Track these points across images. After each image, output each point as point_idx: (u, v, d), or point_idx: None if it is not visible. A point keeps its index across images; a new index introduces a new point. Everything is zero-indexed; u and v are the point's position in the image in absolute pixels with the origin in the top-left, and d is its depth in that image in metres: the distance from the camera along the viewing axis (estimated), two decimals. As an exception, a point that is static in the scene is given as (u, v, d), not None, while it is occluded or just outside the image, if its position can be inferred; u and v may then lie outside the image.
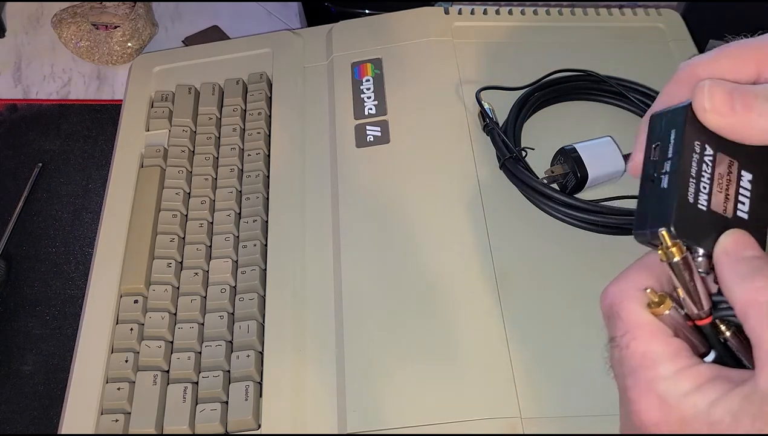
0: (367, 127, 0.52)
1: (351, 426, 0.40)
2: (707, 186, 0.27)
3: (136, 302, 0.46)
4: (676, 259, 0.26)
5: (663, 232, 0.26)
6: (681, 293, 0.26)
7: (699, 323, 0.26)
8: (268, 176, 0.52)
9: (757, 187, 0.28)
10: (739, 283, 0.25)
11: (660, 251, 0.26)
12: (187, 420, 0.41)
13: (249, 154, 0.53)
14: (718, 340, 0.26)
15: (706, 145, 0.27)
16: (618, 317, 0.27)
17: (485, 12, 0.59)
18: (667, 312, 0.26)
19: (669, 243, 0.26)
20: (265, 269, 0.48)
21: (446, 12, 0.59)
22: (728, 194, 0.27)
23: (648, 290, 0.26)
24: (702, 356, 0.27)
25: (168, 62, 0.61)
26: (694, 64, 0.29)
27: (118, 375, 0.44)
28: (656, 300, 0.26)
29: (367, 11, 0.65)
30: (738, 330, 0.26)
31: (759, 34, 0.29)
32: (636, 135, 0.30)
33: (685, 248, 0.26)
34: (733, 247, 0.27)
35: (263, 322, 0.45)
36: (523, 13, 0.59)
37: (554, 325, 0.42)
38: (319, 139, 0.53)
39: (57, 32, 0.68)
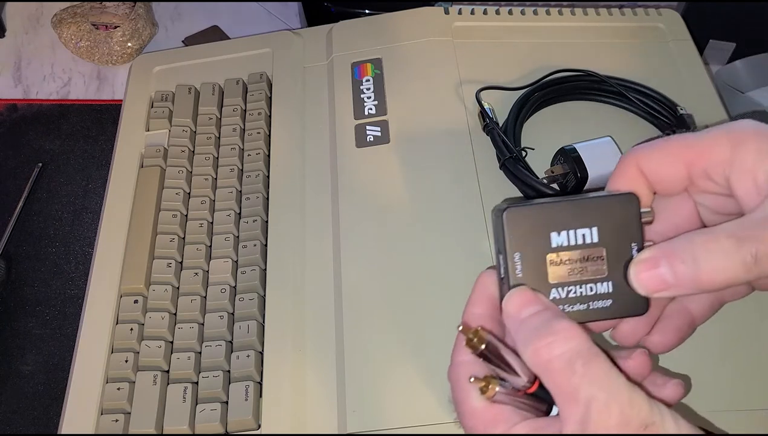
0: (367, 127, 0.52)
1: (351, 426, 0.40)
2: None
3: (136, 302, 0.46)
4: (482, 347, 0.27)
5: (459, 328, 0.28)
6: (500, 373, 0.28)
7: (528, 391, 0.28)
8: (268, 176, 0.52)
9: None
10: (522, 349, 0.27)
11: (465, 345, 0.28)
12: (187, 420, 0.41)
13: (249, 154, 0.53)
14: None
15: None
16: (458, 403, 0.30)
17: (485, 12, 0.59)
18: (496, 390, 0.27)
19: (470, 335, 0.28)
20: (265, 269, 0.48)
21: (446, 12, 0.59)
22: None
23: (472, 380, 0.28)
24: (548, 411, 0.28)
25: (168, 62, 0.61)
26: (637, 157, 0.30)
27: (118, 375, 0.44)
28: (482, 386, 0.28)
29: (367, 11, 0.65)
30: None
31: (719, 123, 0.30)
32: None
33: (486, 333, 0.27)
34: (513, 310, 0.28)
35: (263, 322, 0.45)
36: (523, 13, 0.59)
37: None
38: (319, 139, 0.53)
39: (57, 32, 0.68)
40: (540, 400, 0.28)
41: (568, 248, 0.29)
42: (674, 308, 0.32)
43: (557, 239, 0.28)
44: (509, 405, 0.28)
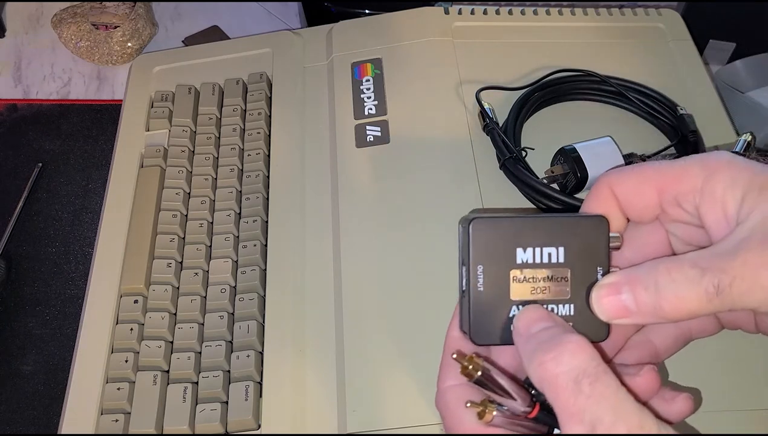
0: (367, 127, 0.52)
1: (351, 426, 0.40)
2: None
3: (136, 302, 0.46)
4: (478, 375, 0.27)
5: (453, 356, 0.27)
6: (498, 399, 0.27)
7: (529, 416, 0.27)
8: (268, 176, 0.52)
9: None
10: (528, 364, 0.26)
11: (461, 373, 0.27)
12: (187, 420, 0.41)
13: (249, 154, 0.53)
14: (554, 417, 0.27)
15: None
16: (452, 429, 0.29)
17: (485, 12, 0.59)
18: (494, 415, 0.27)
19: (465, 363, 0.27)
20: (265, 269, 0.48)
21: (446, 12, 0.59)
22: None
23: (469, 405, 0.28)
24: (549, 432, 0.28)
25: (168, 62, 0.61)
26: (611, 181, 0.29)
27: (118, 375, 0.44)
28: (480, 411, 0.27)
29: (367, 11, 0.65)
30: None
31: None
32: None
33: (481, 360, 0.27)
34: (522, 326, 0.28)
35: (263, 322, 0.45)
36: (523, 13, 0.59)
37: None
38: (319, 139, 0.53)
39: (57, 32, 0.68)
40: (540, 421, 0.28)
41: (533, 265, 0.28)
42: (638, 339, 0.31)
43: (522, 255, 0.28)
44: (507, 429, 0.27)
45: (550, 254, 0.28)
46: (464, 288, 0.29)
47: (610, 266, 0.28)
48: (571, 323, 0.28)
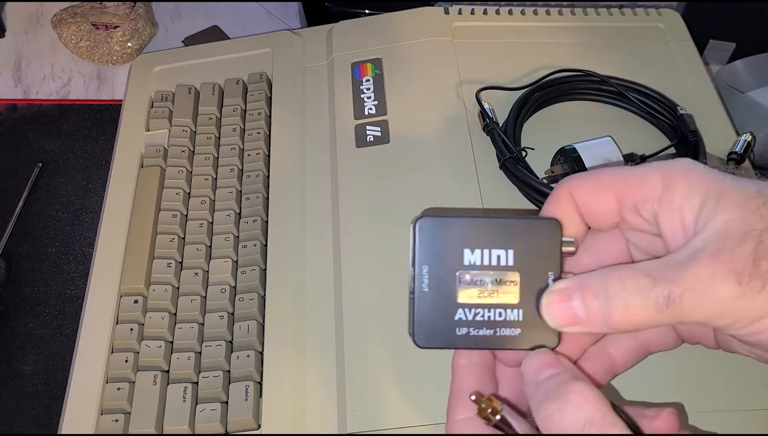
0: (367, 127, 0.52)
1: (351, 426, 0.40)
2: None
3: (136, 302, 0.46)
4: (497, 418, 0.26)
5: (472, 398, 0.27)
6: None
7: None
8: (268, 176, 0.52)
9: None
10: (536, 414, 0.26)
11: (477, 414, 0.27)
12: (187, 420, 0.41)
13: (249, 154, 0.53)
14: None
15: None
16: None
17: (485, 12, 0.59)
18: None
19: (483, 405, 0.26)
20: (265, 269, 0.47)
21: (446, 12, 0.59)
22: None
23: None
24: None
25: (168, 62, 0.61)
26: (570, 186, 0.28)
27: (118, 375, 0.44)
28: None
29: (367, 11, 0.65)
30: None
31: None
32: None
33: (500, 403, 0.26)
34: (531, 372, 0.27)
35: (263, 322, 0.45)
36: (523, 13, 0.59)
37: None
38: (319, 139, 0.53)
39: (57, 32, 0.68)
40: None
41: (481, 267, 0.27)
42: (595, 351, 0.30)
43: (470, 256, 0.27)
44: None
45: (499, 257, 0.27)
46: (411, 290, 0.28)
47: (563, 272, 0.28)
48: (519, 329, 0.27)
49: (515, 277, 0.27)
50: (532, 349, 0.28)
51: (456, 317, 0.27)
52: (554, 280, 0.27)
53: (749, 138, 0.49)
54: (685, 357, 0.40)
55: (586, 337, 0.30)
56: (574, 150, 0.47)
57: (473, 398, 0.27)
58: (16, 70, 0.68)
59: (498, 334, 0.28)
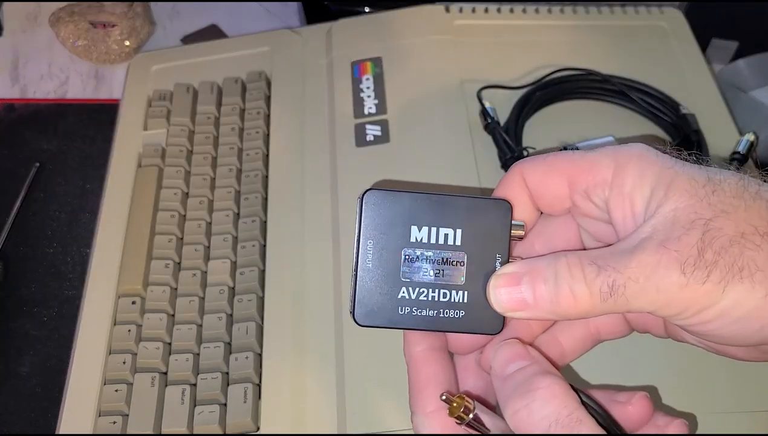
0: (367, 127, 0.52)
1: (350, 428, 0.39)
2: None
3: (133, 303, 0.46)
4: (470, 417, 0.26)
5: (442, 398, 0.27)
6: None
7: None
8: (267, 176, 0.52)
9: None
10: (503, 410, 0.25)
11: (449, 415, 0.26)
12: (185, 422, 0.41)
13: (248, 154, 0.53)
14: None
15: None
16: None
17: (486, 10, 0.59)
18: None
19: (454, 404, 0.26)
20: (264, 270, 0.47)
21: (447, 10, 0.58)
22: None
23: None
24: None
25: (166, 61, 0.61)
26: (523, 169, 0.28)
27: (115, 377, 0.43)
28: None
29: (367, 9, 0.65)
30: None
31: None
32: None
33: (472, 402, 0.26)
34: (499, 364, 0.26)
35: (262, 323, 0.45)
36: (524, 11, 0.59)
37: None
38: (318, 138, 0.53)
39: (54, 31, 0.67)
40: None
41: (428, 245, 0.27)
42: (545, 339, 0.30)
43: (417, 233, 0.27)
44: None
45: (446, 235, 0.27)
46: (354, 265, 0.27)
47: (511, 256, 0.27)
48: (463, 311, 0.27)
49: (461, 257, 0.27)
50: (475, 334, 0.28)
51: (399, 296, 0.27)
52: (501, 263, 0.27)
53: (752, 137, 0.49)
54: (689, 359, 0.40)
55: (536, 325, 0.29)
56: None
57: (444, 397, 0.27)
58: (13, 69, 0.67)
59: (440, 315, 0.27)
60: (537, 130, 0.51)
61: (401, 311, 0.27)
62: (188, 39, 0.69)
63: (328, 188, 0.50)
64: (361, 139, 0.51)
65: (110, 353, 0.45)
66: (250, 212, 0.50)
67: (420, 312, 0.27)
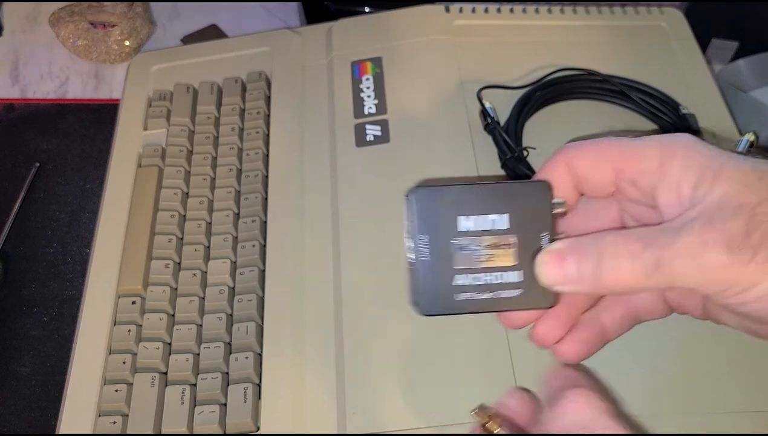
0: (367, 127, 0.52)
1: (351, 428, 0.39)
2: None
3: (133, 303, 0.46)
4: (497, 431, 0.28)
5: (472, 412, 0.28)
6: None
7: None
8: (267, 176, 0.52)
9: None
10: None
11: (480, 426, 0.28)
12: (185, 422, 0.41)
13: (248, 154, 0.53)
14: None
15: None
16: None
17: (486, 10, 0.59)
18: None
19: (485, 420, 0.28)
20: (264, 270, 0.47)
21: (447, 10, 0.58)
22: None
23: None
24: None
25: (166, 61, 0.60)
26: (568, 155, 0.29)
27: (115, 377, 0.43)
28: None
29: (367, 9, 0.64)
30: None
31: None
32: None
33: (500, 421, 0.28)
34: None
35: (262, 323, 0.45)
36: (524, 11, 0.59)
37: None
38: (318, 138, 0.53)
39: (54, 31, 0.67)
40: None
41: (477, 233, 0.28)
42: (587, 317, 0.31)
43: (465, 223, 0.28)
44: None
45: (494, 221, 0.28)
46: (412, 260, 0.29)
47: (556, 233, 0.28)
48: (519, 290, 0.28)
49: (511, 239, 0.28)
50: (532, 309, 0.29)
51: (455, 284, 0.28)
52: (548, 241, 0.28)
53: (752, 137, 0.49)
54: (689, 358, 0.40)
55: (581, 300, 0.31)
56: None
57: (473, 412, 0.28)
58: (13, 69, 0.67)
59: (498, 296, 0.28)
60: (537, 130, 0.51)
61: (460, 297, 0.28)
62: (188, 39, 0.69)
63: (328, 188, 0.50)
64: (361, 139, 0.51)
65: (110, 353, 0.45)
66: (250, 212, 0.50)
67: (478, 296, 0.28)
